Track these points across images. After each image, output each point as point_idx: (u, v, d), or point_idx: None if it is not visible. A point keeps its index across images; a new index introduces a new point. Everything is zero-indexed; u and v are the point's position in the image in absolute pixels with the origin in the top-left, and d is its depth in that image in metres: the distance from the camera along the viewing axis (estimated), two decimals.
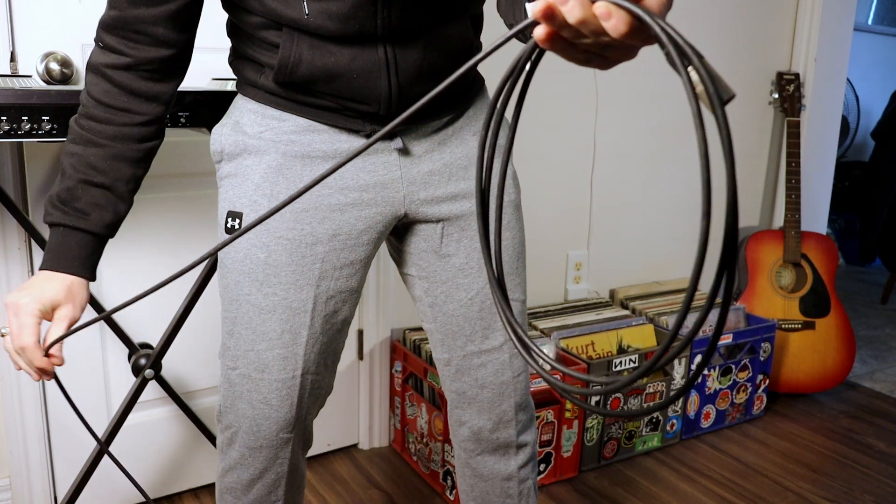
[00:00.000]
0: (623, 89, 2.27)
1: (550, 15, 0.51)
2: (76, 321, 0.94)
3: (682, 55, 0.47)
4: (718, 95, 0.46)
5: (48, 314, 0.92)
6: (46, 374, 0.93)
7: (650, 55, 2.30)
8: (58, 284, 0.92)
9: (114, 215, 0.95)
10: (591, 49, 0.54)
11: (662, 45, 0.48)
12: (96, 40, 0.93)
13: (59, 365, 0.93)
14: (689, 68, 0.47)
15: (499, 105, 0.58)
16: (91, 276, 0.95)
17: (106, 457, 1.58)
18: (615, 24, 0.49)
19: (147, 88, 0.93)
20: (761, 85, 2.59)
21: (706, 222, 0.45)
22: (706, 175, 0.45)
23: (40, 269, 0.93)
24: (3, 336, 0.95)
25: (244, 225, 0.95)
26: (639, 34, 0.51)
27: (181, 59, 0.96)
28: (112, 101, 0.92)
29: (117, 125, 0.93)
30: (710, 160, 2.48)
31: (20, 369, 0.93)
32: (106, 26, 0.91)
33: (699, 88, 0.47)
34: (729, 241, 0.46)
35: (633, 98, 2.30)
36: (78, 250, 0.93)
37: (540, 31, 0.53)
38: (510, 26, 0.68)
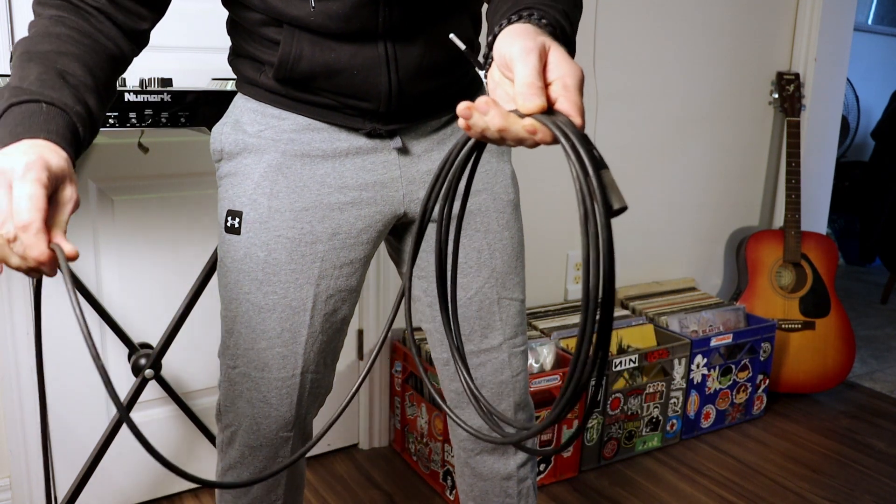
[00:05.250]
0: (623, 89, 2.27)
1: (468, 116, 0.58)
2: (77, 208, 0.67)
3: (583, 165, 0.54)
4: (608, 205, 0.52)
5: (52, 187, 0.64)
6: (45, 270, 0.63)
7: (650, 57, 2.30)
8: (59, 154, 0.66)
9: (96, 117, 0.76)
10: (511, 145, 0.62)
11: (568, 156, 0.55)
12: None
13: (73, 258, 0.62)
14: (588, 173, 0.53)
15: (434, 191, 0.65)
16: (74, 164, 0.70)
17: (106, 455, 1.58)
18: (541, 137, 0.58)
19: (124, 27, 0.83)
20: (761, 85, 2.59)
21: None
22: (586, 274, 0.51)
23: (8, 141, 0.66)
24: None
25: (244, 222, 0.95)
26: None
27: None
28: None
29: (94, 28, 0.80)
30: (705, 161, 2.47)
31: None
32: None
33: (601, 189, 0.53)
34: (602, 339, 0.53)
35: (633, 98, 2.31)
36: (65, 131, 0.70)
37: (461, 123, 0.59)
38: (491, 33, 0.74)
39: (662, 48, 2.33)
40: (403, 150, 0.97)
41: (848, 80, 3.91)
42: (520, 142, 0.60)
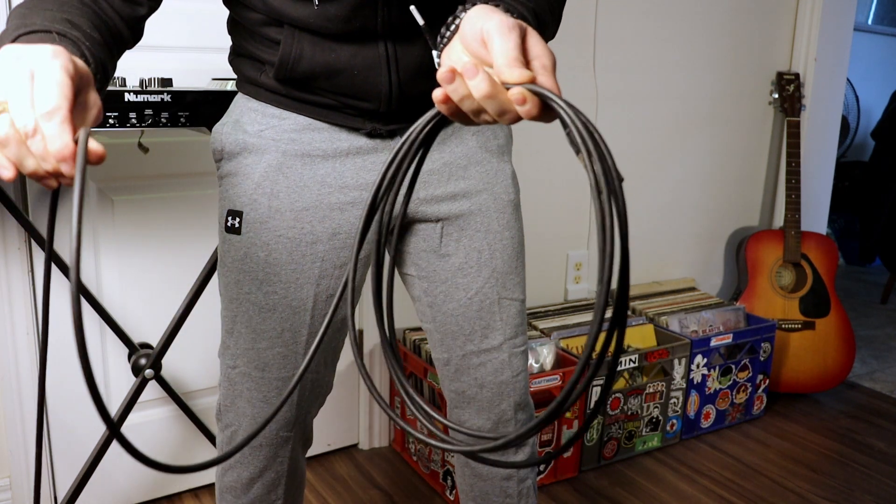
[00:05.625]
0: (623, 89, 2.27)
1: (452, 81, 0.56)
2: (101, 117, 0.60)
3: (591, 136, 0.52)
4: (618, 174, 0.50)
5: (76, 84, 0.57)
6: (64, 171, 0.54)
7: (650, 57, 2.30)
8: (80, 60, 0.61)
9: (107, 68, 0.71)
10: (488, 119, 0.60)
11: (565, 126, 0.53)
12: None
13: (98, 159, 0.53)
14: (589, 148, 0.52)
15: (393, 168, 0.64)
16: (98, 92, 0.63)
17: (106, 455, 1.58)
18: (529, 108, 0.55)
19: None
20: (761, 85, 2.59)
21: (604, 289, 0.50)
22: (602, 246, 0.50)
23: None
24: None
25: (244, 222, 0.95)
26: (546, 114, 0.56)
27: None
28: None
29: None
30: (705, 161, 2.47)
31: (13, 175, 0.55)
32: None
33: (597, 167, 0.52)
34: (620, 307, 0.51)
35: (633, 98, 2.30)
36: (81, 57, 0.64)
37: (438, 93, 0.57)
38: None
39: (662, 48, 2.33)
40: None
41: (848, 80, 3.91)
42: (501, 114, 0.58)
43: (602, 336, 0.51)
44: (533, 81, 0.57)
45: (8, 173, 0.54)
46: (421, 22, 0.72)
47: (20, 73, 0.54)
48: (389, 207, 0.67)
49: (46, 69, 0.54)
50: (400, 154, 0.63)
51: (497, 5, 0.67)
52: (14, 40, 0.62)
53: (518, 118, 0.58)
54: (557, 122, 0.56)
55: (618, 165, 0.50)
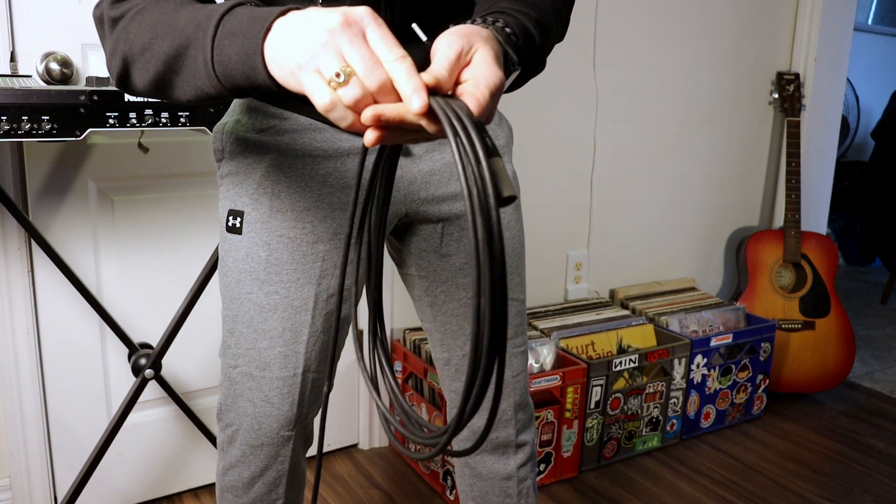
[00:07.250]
0: (623, 88, 2.27)
1: (377, 118, 0.56)
2: None
3: (474, 150, 0.50)
4: (497, 194, 0.48)
5: None
6: (417, 109, 0.55)
7: (650, 56, 2.30)
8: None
9: None
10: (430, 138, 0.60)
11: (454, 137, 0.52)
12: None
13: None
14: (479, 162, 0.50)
15: (359, 207, 0.66)
16: None
17: (106, 455, 1.58)
18: (427, 123, 0.55)
19: None
20: (761, 85, 2.59)
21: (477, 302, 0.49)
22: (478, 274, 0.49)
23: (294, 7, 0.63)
24: (337, 79, 0.55)
25: (245, 222, 0.95)
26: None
27: None
28: None
29: None
30: (705, 161, 2.47)
31: (381, 135, 0.57)
32: None
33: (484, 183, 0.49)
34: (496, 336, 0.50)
35: (634, 96, 2.31)
36: None
37: (370, 136, 0.57)
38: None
39: (662, 48, 2.33)
40: (405, 151, 0.97)
41: (848, 80, 3.91)
42: (418, 130, 0.58)
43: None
44: (441, 87, 0.57)
45: (371, 136, 0.57)
46: (424, 38, 0.73)
47: (351, 35, 0.56)
48: (377, 218, 0.68)
49: (375, 24, 0.57)
50: (360, 196, 0.64)
51: (495, 21, 0.67)
52: (284, 14, 0.63)
53: (429, 136, 0.58)
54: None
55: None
